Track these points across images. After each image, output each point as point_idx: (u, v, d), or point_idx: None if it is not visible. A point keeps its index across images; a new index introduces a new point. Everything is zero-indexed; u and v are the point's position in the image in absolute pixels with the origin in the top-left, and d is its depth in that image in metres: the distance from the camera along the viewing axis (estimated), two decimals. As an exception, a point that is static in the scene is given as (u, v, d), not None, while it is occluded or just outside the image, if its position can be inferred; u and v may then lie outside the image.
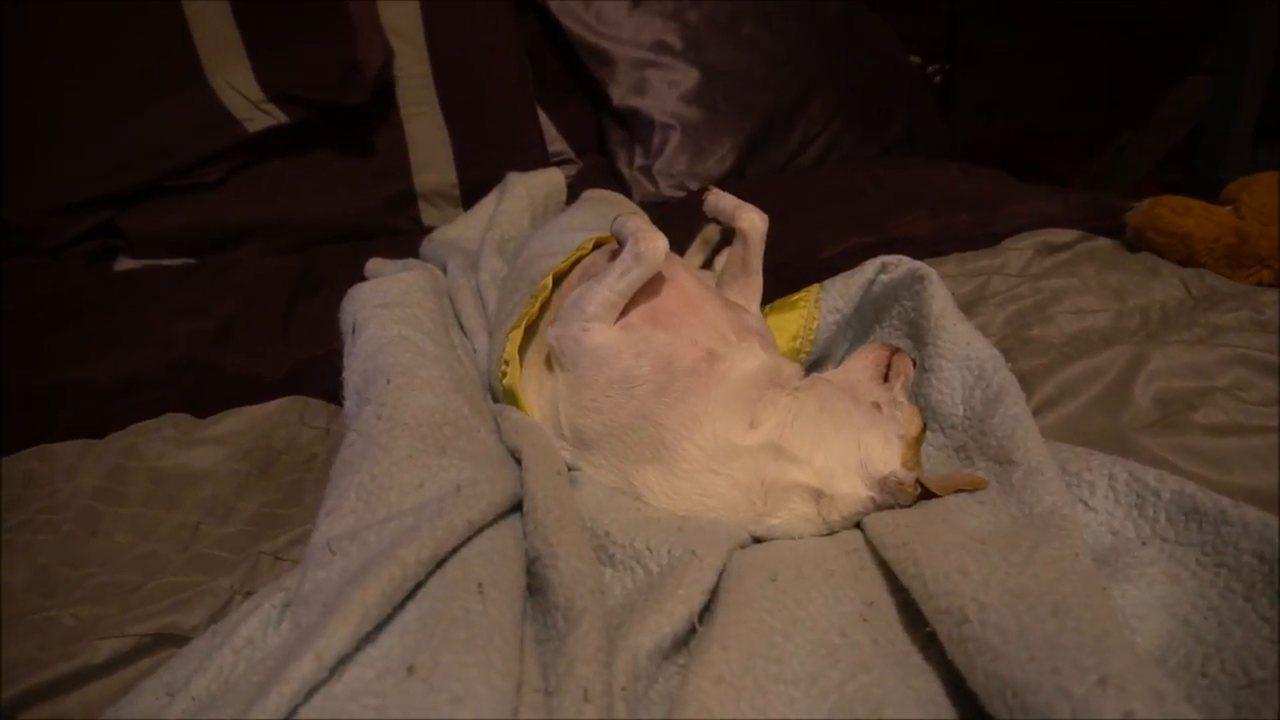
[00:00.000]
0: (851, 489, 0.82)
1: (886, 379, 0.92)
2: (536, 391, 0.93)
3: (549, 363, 0.92)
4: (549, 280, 0.97)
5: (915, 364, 0.97)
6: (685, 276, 0.97)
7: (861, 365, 0.94)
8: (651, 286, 0.91)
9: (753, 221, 1.09)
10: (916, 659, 0.64)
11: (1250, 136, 1.87)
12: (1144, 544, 0.73)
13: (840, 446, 0.84)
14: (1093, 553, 0.73)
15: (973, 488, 0.81)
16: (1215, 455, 0.89)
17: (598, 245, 1.03)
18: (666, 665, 0.64)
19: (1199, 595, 0.67)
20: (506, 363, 0.93)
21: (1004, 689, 0.53)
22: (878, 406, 0.88)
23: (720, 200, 1.13)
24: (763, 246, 1.10)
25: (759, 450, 0.82)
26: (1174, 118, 2.30)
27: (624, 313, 0.90)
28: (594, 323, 0.87)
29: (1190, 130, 2.22)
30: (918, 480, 0.81)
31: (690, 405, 0.83)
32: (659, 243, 0.88)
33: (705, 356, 0.87)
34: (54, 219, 1.70)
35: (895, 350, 0.95)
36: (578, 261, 1.01)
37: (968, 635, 0.57)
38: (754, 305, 1.10)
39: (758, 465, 0.82)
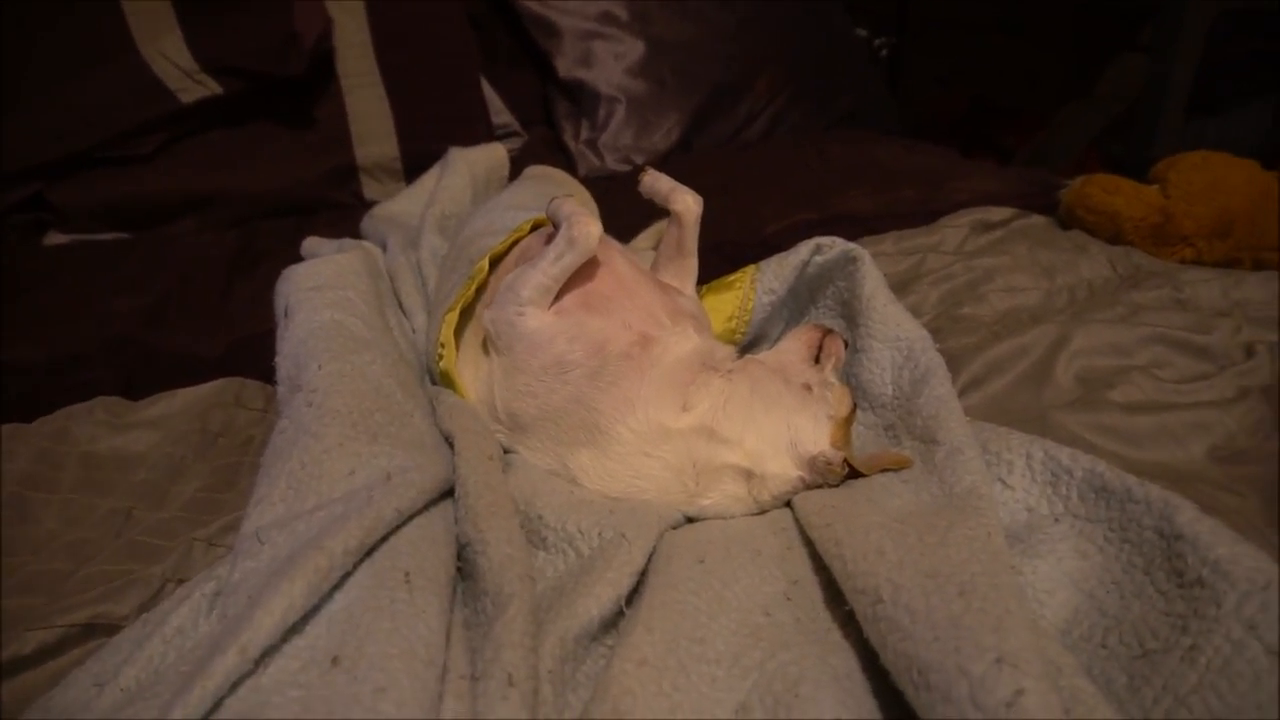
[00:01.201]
0: (781, 469, 0.83)
1: (818, 360, 0.93)
2: (473, 375, 0.94)
3: (485, 346, 0.92)
4: (485, 263, 0.97)
5: (847, 345, 0.98)
6: (619, 260, 0.97)
7: (793, 346, 0.96)
8: (586, 271, 0.91)
9: (687, 204, 1.09)
10: (836, 636, 0.66)
11: (1182, 113, 1.92)
12: (1056, 520, 0.76)
13: (770, 427, 0.85)
14: (1009, 529, 0.76)
15: (898, 467, 0.83)
16: (1130, 432, 0.93)
17: (535, 227, 1.03)
18: (594, 647, 0.66)
19: (1104, 570, 0.70)
20: (443, 345, 0.93)
21: (911, 666, 0.55)
22: (808, 387, 0.89)
23: (656, 181, 1.12)
24: (697, 229, 1.10)
25: (691, 433, 0.84)
26: (1112, 93, 2.34)
27: (558, 297, 0.90)
28: (528, 307, 0.88)
29: (1128, 104, 2.26)
30: (845, 460, 0.83)
31: (623, 389, 0.84)
32: (592, 228, 0.89)
33: (638, 340, 0.88)
34: (-21, 191, 1.65)
35: (827, 331, 0.97)
36: (515, 244, 1.01)
37: (880, 615, 0.60)
38: (689, 287, 1.11)
39: (690, 447, 0.84)
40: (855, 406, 0.92)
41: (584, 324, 0.88)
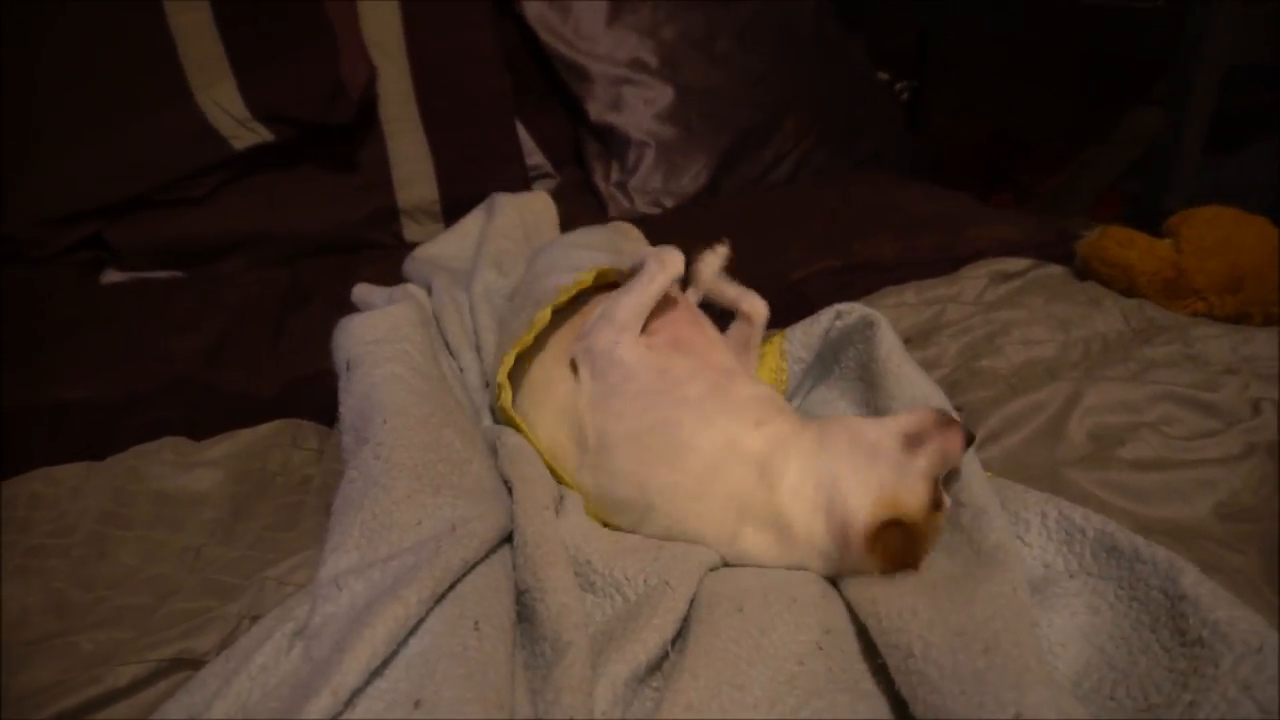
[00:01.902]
0: (808, 530, 0.84)
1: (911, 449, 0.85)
2: (539, 413, 1.01)
3: (573, 366, 1.00)
4: (547, 313, 1.04)
5: (969, 444, 0.87)
6: (699, 314, 1.10)
7: (893, 423, 0.88)
8: (671, 319, 1.04)
9: (757, 308, 1.16)
10: (867, 685, 0.72)
11: (1196, 163, 1.97)
12: (1071, 577, 0.81)
13: (812, 483, 0.85)
14: (1029, 584, 0.81)
15: (905, 569, 0.81)
16: (1138, 489, 0.98)
17: (599, 277, 1.09)
18: (641, 689, 0.72)
19: (1114, 625, 0.75)
20: (500, 386, 1.01)
21: (937, 717, 0.61)
22: (876, 456, 0.84)
23: (720, 286, 1.20)
24: (764, 327, 1.18)
25: (753, 458, 0.88)
26: (1128, 141, 2.40)
27: (649, 333, 1.01)
28: (624, 335, 0.98)
29: (1144, 152, 2.32)
30: (866, 543, 0.81)
31: (706, 407, 0.92)
32: (677, 254, 1.02)
33: (720, 376, 0.97)
34: (42, 230, 1.73)
35: (951, 421, 0.86)
36: (579, 295, 1.08)
37: (912, 669, 0.66)
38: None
39: (745, 475, 0.87)
40: (939, 506, 0.84)
41: (673, 360, 0.97)
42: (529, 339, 1.03)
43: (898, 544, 0.80)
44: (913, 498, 0.82)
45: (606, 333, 0.98)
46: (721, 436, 0.89)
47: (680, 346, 1.01)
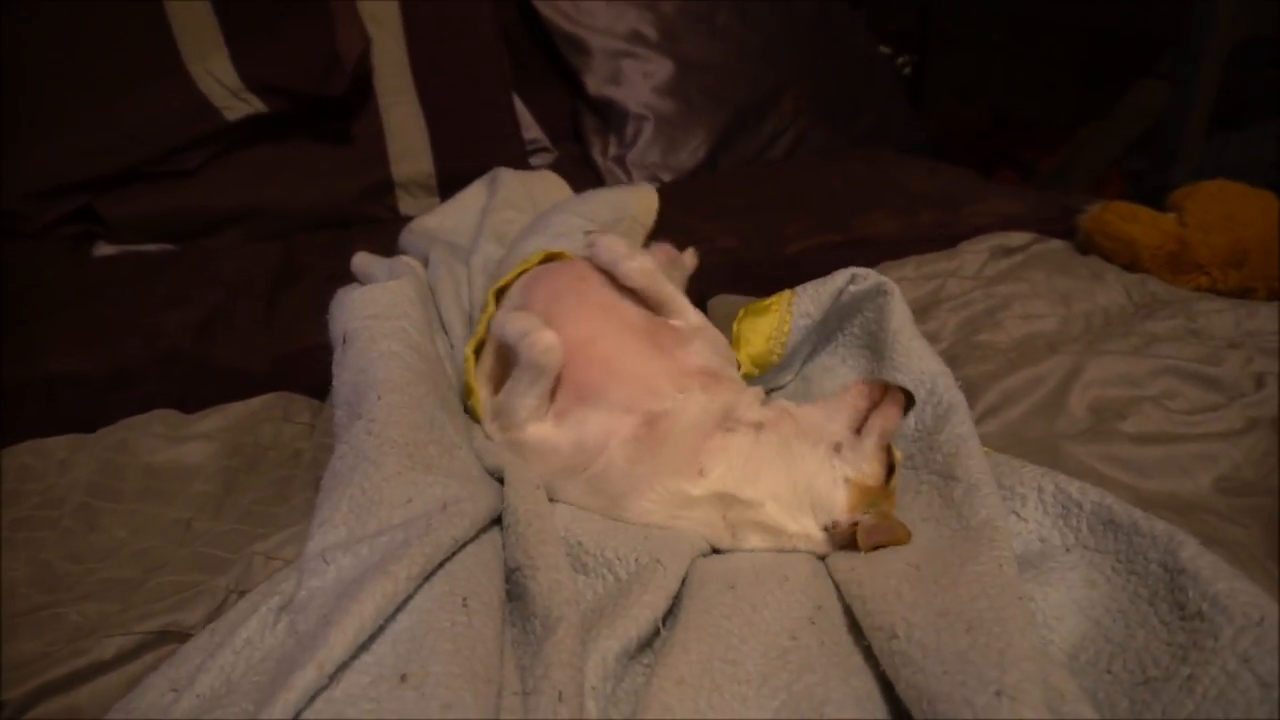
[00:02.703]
0: (804, 530, 0.86)
1: (859, 431, 0.89)
2: None
3: None
4: (490, 298, 1.03)
5: (909, 407, 0.92)
6: (604, 337, 0.95)
7: (839, 405, 0.91)
8: (574, 362, 0.92)
9: (642, 268, 1.01)
10: (858, 660, 0.71)
11: (1202, 138, 1.95)
12: (1067, 550, 0.81)
13: (789, 493, 0.86)
14: (1023, 558, 0.81)
15: (894, 544, 0.84)
16: (1139, 463, 0.97)
17: (546, 259, 1.07)
18: (632, 665, 0.71)
19: (1111, 599, 0.74)
20: (469, 388, 1.00)
21: (921, 698, 0.60)
22: (837, 448, 0.87)
23: (658, 288, 1.02)
24: (662, 277, 1.04)
25: (713, 498, 0.86)
26: (1132, 117, 2.37)
27: (553, 394, 0.92)
28: (527, 425, 0.91)
29: (1148, 128, 2.29)
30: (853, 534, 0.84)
31: (638, 470, 0.87)
32: (548, 342, 0.88)
33: (644, 422, 0.87)
34: (32, 203, 1.72)
35: (887, 389, 0.90)
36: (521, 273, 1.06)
37: (895, 649, 0.65)
38: (687, 315, 1.04)
39: (716, 509, 0.86)
40: (893, 470, 0.89)
41: (584, 423, 0.89)
42: (482, 331, 1.02)
43: (880, 530, 0.83)
44: (872, 477, 0.87)
45: (510, 428, 0.92)
46: (666, 495, 0.86)
47: (587, 398, 0.90)
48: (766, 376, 1.14)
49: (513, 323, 0.90)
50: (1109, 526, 0.78)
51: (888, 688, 0.68)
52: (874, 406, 0.89)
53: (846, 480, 0.86)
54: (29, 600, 0.86)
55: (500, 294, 1.07)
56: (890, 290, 1.05)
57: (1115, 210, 1.51)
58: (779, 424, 0.90)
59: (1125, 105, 2.38)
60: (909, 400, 0.92)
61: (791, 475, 0.86)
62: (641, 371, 0.92)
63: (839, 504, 0.85)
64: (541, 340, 0.87)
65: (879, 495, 0.86)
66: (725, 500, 0.86)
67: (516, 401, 0.91)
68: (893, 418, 0.90)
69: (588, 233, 1.03)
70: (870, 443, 0.88)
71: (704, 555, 0.84)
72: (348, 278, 1.27)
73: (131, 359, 1.31)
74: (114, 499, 1.02)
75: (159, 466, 1.08)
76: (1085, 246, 1.56)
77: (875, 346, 1.05)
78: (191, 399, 1.20)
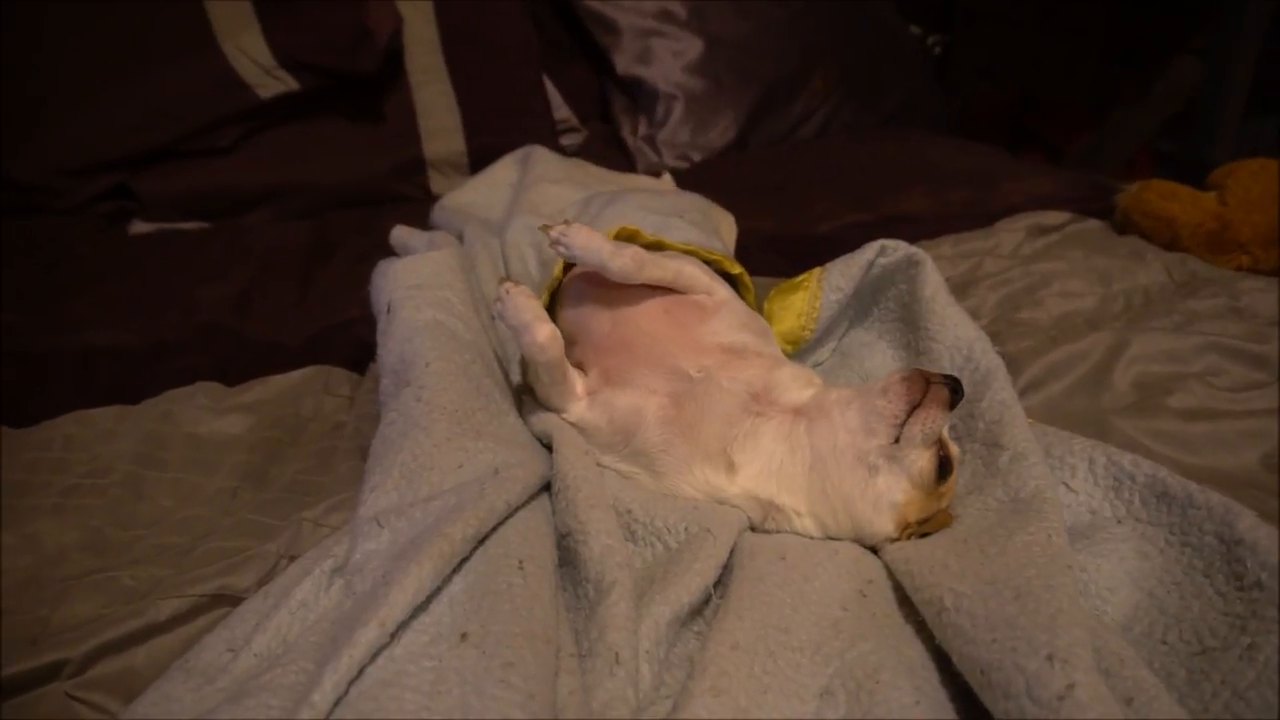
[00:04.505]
0: (839, 535, 0.84)
1: (899, 440, 0.81)
2: None
3: None
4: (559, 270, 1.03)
5: (955, 402, 0.83)
6: (628, 318, 0.94)
7: (878, 415, 0.82)
8: (600, 338, 0.94)
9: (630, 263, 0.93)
10: (909, 632, 0.71)
11: (1239, 117, 1.92)
12: (1119, 523, 0.80)
13: (828, 514, 0.83)
14: (1073, 530, 0.80)
15: (940, 529, 0.83)
16: (1185, 439, 0.96)
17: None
18: (684, 631, 0.71)
19: (1165, 571, 0.74)
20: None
21: (975, 667, 0.60)
22: (875, 470, 0.81)
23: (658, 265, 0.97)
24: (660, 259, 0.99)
25: (749, 498, 0.85)
26: (1167, 95, 2.34)
27: (586, 370, 0.93)
28: (565, 409, 0.91)
29: (1183, 107, 2.26)
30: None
31: (674, 454, 0.86)
32: (543, 338, 0.86)
33: (670, 403, 0.87)
34: (67, 180, 1.74)
35: (930, 383, 0.81)
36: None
37: (946, 622, 0.65)
38: (710, 289, 1.00)
39: (756, 509, 0.85)
40: (948, 466, 0.83)
41: (612, 404, 0.89)
42: (544, 298, 1.01)
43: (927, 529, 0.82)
44: (921, 485, 0.81)
45: (552, 413, 0.92)
46: (705, 484, 0.86)
47: (613, 379, 0.90)
48: (802, 353, 1.13)
49: (512, 311, 0.87)
50: (1162, 499, 0.78)
51: (941, 659, 0.68)
52: (915, 408, 0.80)
53: (893, 506, 0.80)
54: (81, 565, 0.87)
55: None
56: (921, 260, 1.04)
57: (1155, 189, 1.50)
58: (816, 424, 0.84)
59: (1160, 83, 2.35)
60: (955, 393, 0.82)
61: (829, 499, 0.82)
62: (661, 352, 0.90)
63: (885, 529, 0.81)
64: (537, 336, 0.86)
65: (930, 500, 0.82)
66: (764, 504, 0.84)
67: (540, 391, 0.91)
68: (934, 419, 0.80)
69: (544, 227, 0.92)
70: (912, 455, 0.80)
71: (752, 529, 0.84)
72: (380, 255, 1.27)
73: (170, 332, 1.33)
74: (160, 468, 1.03)
75: (203, 437, 1.09)
76: (1123, 226, 1.54)
77: (909, 318, 1.05)
78: (230, 372, 1.22)
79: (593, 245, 0.90)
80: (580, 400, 0.91)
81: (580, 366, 0.94)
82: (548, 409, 0.93)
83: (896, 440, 0.80)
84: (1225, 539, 0.71)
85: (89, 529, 0.92)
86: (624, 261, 0.91)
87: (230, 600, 0.80)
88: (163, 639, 0.77)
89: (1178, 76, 2.29)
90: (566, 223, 0.91)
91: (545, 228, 0.92)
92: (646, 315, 0.95)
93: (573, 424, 0.91)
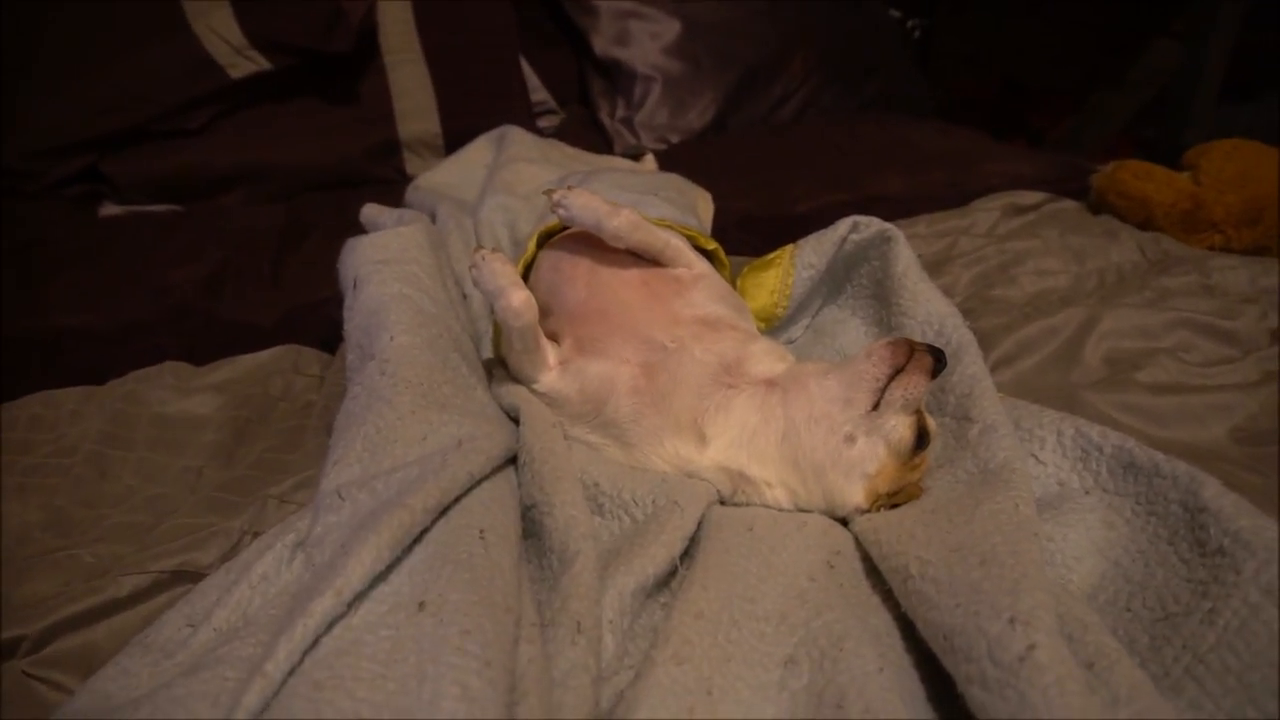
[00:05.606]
0: (810, 505, 0.84)
1: (877, 406, 0.80)
2: None
3: None
4: (532, 244, 1.02)
5: (937, 371, 0.82)
6: (601, 289, 0.95)
7: (858, 378, 0.82)
8: (573, 308, 0.94)
9: (626, 223, 0.94)
10: (875, 601, 0.71)
11: (1215, 100, 1.93)
12: (1086, 493, 0.80)
13: (799, 484, 0.83)
14: (1041, 501, 0.80)
15: (908, 500, 0.83)
16: (1155, 412, 0.96)
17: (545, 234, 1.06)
18: (649, 602, 0.71)
19: (1130, 540, 0.74)
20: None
21: (938, 633, 0.60)
22: (851, 439, 0.81)
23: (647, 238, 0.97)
24: (651, 227, 0.99)
25: (720, 469, 0.84)
26: (1144, 79, 2.35)
27: (557, 340, 0.93)
28: (538, 376, 0.91)
29: (1159, 91, 2.27)
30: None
31: (644, 424, 0.86)
32: (514, 302, 0.86)
33: (641, 372, 0.87)
34: (37, 162, 1.71)
35: (910, 353, 0.81)
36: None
37: (911, 589, 0.65)
38: (689, 262, 0.99)
39: (726, 481, 0.85)
40: (924, 438, 0.82)
41: (584, 372, 0.89)
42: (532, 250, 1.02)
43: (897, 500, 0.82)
44: (898, 454, 0.81)
45: (522, 384, 0.92)
46: (675, 456, 0.85)
47: (586, 348, 0.90)
48: (775, 330, 1.13)
49: (488, 276, 0.87)
50: (1129, 469, 0.78)
51: (907, 627, 0.68)
52: (898, 372, 0.80)
53: (865, 476, 0.81)
54: (42, 543, 0.86)
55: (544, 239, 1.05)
56: (893, 236, 1.04)
57: (1129, 168, 1.50)
58: (791, 394, 0.84)
59: (1137, 67, 2.35)
60: (939, 362, 0.82)
61: (801, 469, 0.82)
62: (635, 322, 0.91)
63: (855, 499, 0.81)
64: (512, 300, 0.86)
65: (904, 472, 0.82)
66: (734, 475, 0.84)
67: (513, 359, 0.91)
68: (917, 385, 0.80)
69: (547, 191, 0.94)
70: (891, 421, 0.80)
71: (721, 502, 0.83)
72: (354, 235, 1.26)
73: (139, 313, 1.31)
74: (125, 448, 1.02)
75: (170, 417, 1.08)
76: (1098, 206, 1.55)
77: (882, 294, 1.04)
78: (200, 352, 1.20)
79: (591, 205, 0.93)
80: (552, 370, 0.91)
81: (553, 338, 0.94)
82: (519, 379, 0.92)
83: (876, 406, 0.80)
84: (1189, 507, 0.71)
85: (52, 508, 0.91)
86: (619, 222, 0.92)
87: (192, 576, 0.79)
88: (123, 615, 0.76)
89: (1155, 60, 2.30)
90: (569, 187, 0.94)
91: (549, 191, 0.94)
92: (624, 285, 0.95)
93: (543, 394, 0.90)
